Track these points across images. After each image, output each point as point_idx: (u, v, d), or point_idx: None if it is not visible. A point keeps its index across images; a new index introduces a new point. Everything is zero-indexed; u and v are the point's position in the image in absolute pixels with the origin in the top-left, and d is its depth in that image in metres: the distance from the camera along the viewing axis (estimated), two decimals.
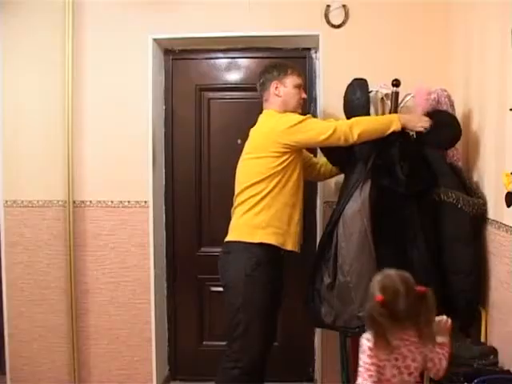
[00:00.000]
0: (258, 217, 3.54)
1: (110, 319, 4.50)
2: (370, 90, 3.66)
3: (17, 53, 4.40)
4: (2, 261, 4.48)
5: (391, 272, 2.66)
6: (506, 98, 3.05)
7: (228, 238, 3.66)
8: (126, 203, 4.41)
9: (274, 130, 3.55)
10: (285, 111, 3.67)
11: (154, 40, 4.38)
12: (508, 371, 2.93)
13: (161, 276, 4.62)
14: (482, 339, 3.34)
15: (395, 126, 3.43)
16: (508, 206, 2.94)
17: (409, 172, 3.36)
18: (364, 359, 2.58)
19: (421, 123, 3.45)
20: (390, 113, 3.67)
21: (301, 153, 3.66)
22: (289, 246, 3.58)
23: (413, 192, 3.35)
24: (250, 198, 3.58)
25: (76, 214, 4.41)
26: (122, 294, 4.47)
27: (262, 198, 3.53)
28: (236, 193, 3.70)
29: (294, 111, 3.69)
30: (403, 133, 3.50)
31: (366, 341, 2.58)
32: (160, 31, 4.36)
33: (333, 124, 3.49)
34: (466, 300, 3.38)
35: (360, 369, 2.59)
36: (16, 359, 4.54)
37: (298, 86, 3.73)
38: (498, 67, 3.19)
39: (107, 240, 4.45)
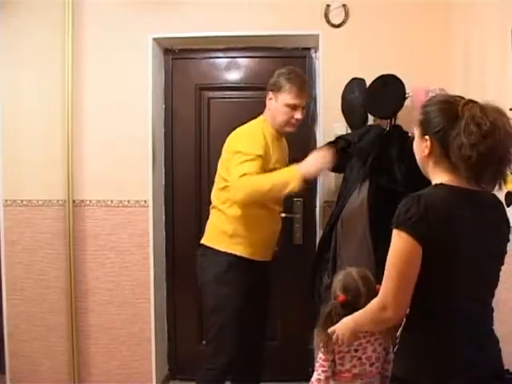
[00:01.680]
0: (225, 225, 3.55)
1: (109, 319, 4.50)
2: None
3: (17, 53, 4.40)
4: (2, 260, 4.48)
5: (352, 271, 2.72)
6: (505, 98, 3.04)
7: (202, 241, 3.71)
8: (126, 203, 4.41)
9: (227, 144, 3.63)
10: (273, 124, 3.59)
11: (154, 39, 4.38)
12: (507, 370, 2.92)
13: (160, 275, 4.62)
14: None
15: (293, 185, 3.26)
16: (508, 206, 2.94)
17: (406, 172, 3.36)
18: (320, 355, 2.67)
19: (321, 163, 3.36)
20: None
21: (267, 163, 3.49)
22: (257, 256, 3.56)
23: (411, 192, 3.34)
24: (220, 203, 3.58)
25: (76, 214, 4.41)
26: (122, 293, 4.47)
27: (230, 206, 3.51)
28: (212, 192, 3.71)
29: (281, 129, 3.60)
30: (402, 132, 3.50)
31: None
32: (160, 31, 4.36)
33: (239, 176, 3.33)
34: None
35: (316, 364, 2.68)
36: (16, 359, 4.54)
37: (289, 106, 3.51)
38: (498, 67, 3.18)
39: (107, 239, 4.45)
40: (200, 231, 4.62)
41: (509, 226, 2.30)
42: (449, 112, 2.11)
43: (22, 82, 4.43)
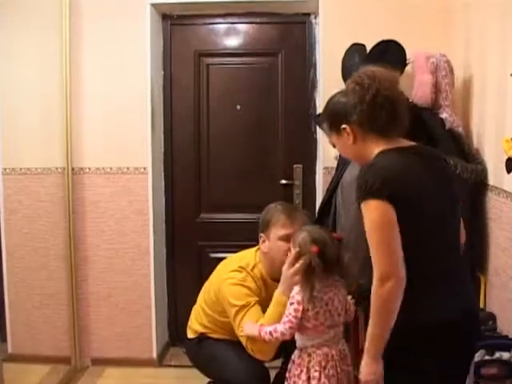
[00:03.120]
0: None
1: (109, 286, 4.51)
2: None
3: (14, 20, 4.33)
4: (2, 229, 4.47)
5: (312, 226, 2.87)
6: (506, 64, 3.02)
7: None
8: (125, 170, 4.39)
9: (220, 292, 3.16)
10: (273, 270, 3.13)
11: (152, 5, 4.32)
12: (506, 336, 2.95)
13: (160, 242, 4.63)
14: (481, 305, 3.35)
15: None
16: (508, 172, 2.93)
17: (406, 137, 3.34)
18: (290, 310, 2.67)
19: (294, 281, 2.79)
20: None
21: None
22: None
23: None
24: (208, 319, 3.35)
25: (75, 181, 4.40)
26: (122, 260, 4.47)
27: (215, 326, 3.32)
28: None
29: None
30: None
31: (296, 294, 2.67)
32: None
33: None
34: None
35: (284, 318, 2.67)
36: (16, 327, 4.56)
37: (283, 238, 3.06)
38: (499, 33, 3.15)
39: (106, 207, 4.44)
40: (199, 198, 4.64)
41: (452, 172, 2.57)
42: (345, 96, 2.36)
43: (20, 50, 4.36)
